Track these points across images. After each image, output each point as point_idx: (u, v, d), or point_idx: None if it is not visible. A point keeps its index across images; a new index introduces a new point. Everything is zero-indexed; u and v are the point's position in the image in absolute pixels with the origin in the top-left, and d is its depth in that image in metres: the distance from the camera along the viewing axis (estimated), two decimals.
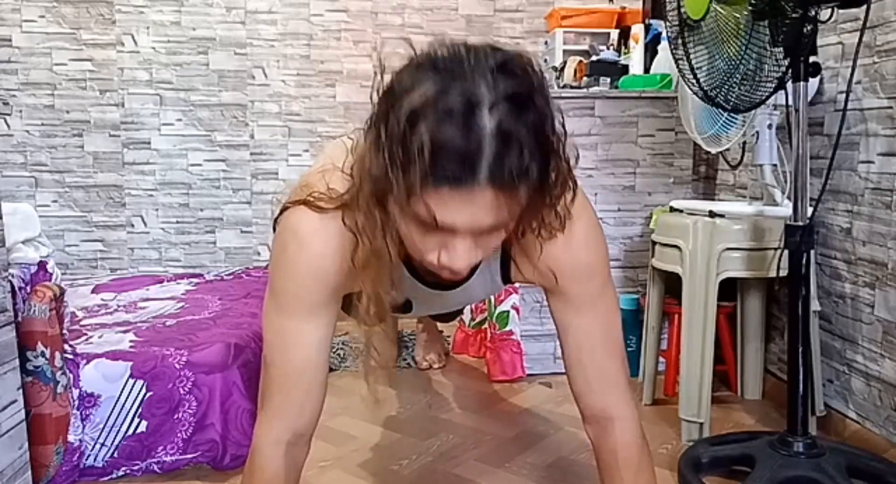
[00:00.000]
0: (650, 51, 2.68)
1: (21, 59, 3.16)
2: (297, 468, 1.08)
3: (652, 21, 2.73)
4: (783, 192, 1.91)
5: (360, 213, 0.85)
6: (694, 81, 1.69)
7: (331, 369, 1.05)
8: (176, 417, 1.76)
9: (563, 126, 0.86)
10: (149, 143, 3.27)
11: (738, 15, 1.61)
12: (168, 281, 2.88)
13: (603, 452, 1.12)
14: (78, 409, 1.70)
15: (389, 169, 0.76)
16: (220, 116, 3.28)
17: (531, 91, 0.79)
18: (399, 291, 1.02)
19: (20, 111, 3.19)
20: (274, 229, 1.01)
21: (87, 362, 1.74)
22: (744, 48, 1.62)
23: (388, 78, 0.82)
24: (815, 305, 1.96)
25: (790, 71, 1.55)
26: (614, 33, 2.96)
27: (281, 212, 0.99)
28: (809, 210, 1.62)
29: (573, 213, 0.93)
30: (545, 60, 3.16)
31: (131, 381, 1.74)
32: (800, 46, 1.52)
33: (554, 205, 0.88)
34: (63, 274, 2.02)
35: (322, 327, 0.99)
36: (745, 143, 2.11)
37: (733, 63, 1.64)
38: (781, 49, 1.57)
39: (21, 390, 1.46)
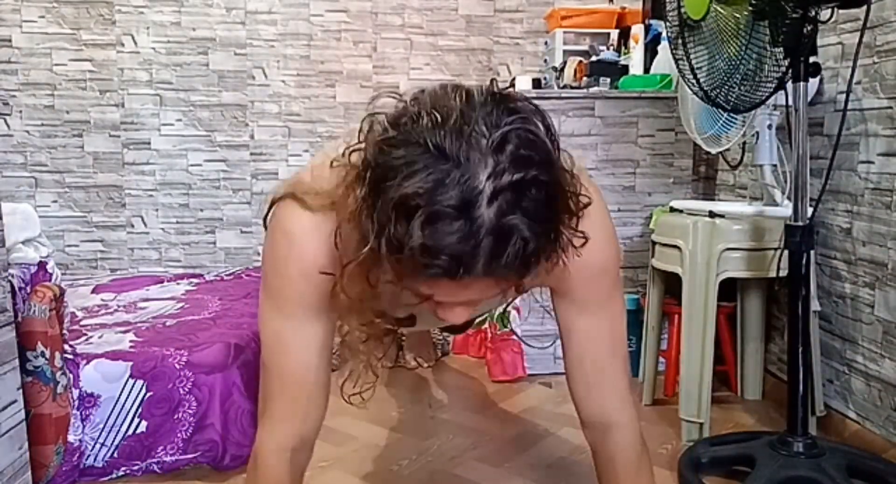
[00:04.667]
0: (650, 51, 2.68)
1: (21, 59, 3.16)
2: (301, 473, 1.06)
3: (652, 21, 2.73)
4: (783, 193, 1.91)
5: (352, 257, 0.79)
6: (694, 81, 1.69)
7: (332, 369, 1.03)
8: (176, 417, 1.76)
9: (571, 161, 0.79)
10: (149, 143, 3.27)
11: (738, 15, 1.61)
12: (168, 281, 2.88)
13: (601, 458, 1.11)
14: (78, 409, 1.70)
15: (380, 250, 0.71)
16: (220, 117, 3.28)
17: (536, 166, 0.71)
18: (400, 308, 0.99)
19: (20, 111, 3.19)
20: (265, 226, 0.98)
21: (87, 362, 1.74)
22: (744, 48, 1.62)
23: (382, 133, 0.74)
24: (815, 305, 1.96)
25: (790, 71, 1.55)
26: (614, 33, 2.96)
27: (270, 207, 0.95)
28: (809, 210, 1.62)
29: (586, 212, 0.86)
30: (545, 60, 3.16)
31: (131, 381, 1.74)
32: (800, 46, 1.52)
33: (565, 249, 0.80)
34: (63, 274, 2.02)
35: (321, 331, 0.96)
36: (745, 143, 2.11)
37: (733, 63, 1.64)
38: (781, 49, 1.57)
39: (21, 390, 1.46)
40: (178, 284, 2.84)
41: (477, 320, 2.72)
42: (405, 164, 0.69)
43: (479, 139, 0.70)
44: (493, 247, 0.69)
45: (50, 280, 1.62)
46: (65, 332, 1.68)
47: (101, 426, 1.73)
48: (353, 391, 0.96)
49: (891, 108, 1.77)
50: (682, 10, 1.67)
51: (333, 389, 1.04)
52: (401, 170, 0.69)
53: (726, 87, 1.67)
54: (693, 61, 1.68)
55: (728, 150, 2.12)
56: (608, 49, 2.86)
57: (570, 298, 1.03)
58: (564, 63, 2.81)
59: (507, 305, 2.46)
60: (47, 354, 1.57)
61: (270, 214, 0.96)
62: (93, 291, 2.67)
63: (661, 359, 2.33)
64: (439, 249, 0.68)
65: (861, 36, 1.58)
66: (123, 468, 1.74)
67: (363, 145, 0.77)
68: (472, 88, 0.76)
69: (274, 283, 0.96)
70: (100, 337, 1.95)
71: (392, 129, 0.73)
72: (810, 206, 1.63)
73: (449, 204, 0.68)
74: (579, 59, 2.75)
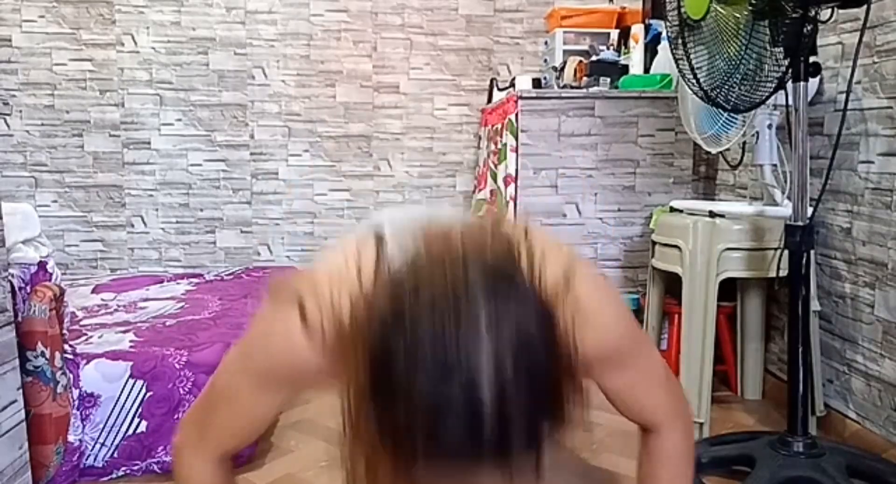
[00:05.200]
0: (650, 51, 2.68)
1: (21, 59, 3.16)
2: (231, 472, 1.09)
3: (652, 21, 2.73)
4: (783, 192, 1.91)
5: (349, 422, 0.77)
6: (694, 81, 1.69)
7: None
8: (176, 417, 1.76)
9: (574, 345, 0.75)
10: (149, 143, 3.27)
11: (738, 15, 1.61)
12: (168, 281, 2.88)
13: (644, 454, 1.13)
14: (78, 409, 1.70)
15: (380, 439, 0.70)
16: (220, 116, 3.28)
17: (538, 349, 0.69)
18: None
19: (20, 111, 3.19)
20: (268, 295, 0.95)
21: (87, 362, 1.74)
22: (744, 48, 1.61)
23: (382, 309, 0.71)
24: (815, 305, 1.96)
25: (790, 71, 1.55)
26: (614, 33, 2.96)
27: (278, 290, 0.93)
28: (809, 210, 1.62)
29: (577, 296, 0.81)
30: (545, 60, 3.16)
31: (131, 381, 1.74)
32: (800, 46, 1.52)
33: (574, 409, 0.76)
34: (63, 274, 2.02)
35: (275, 406, 0.98)
36: (745, 143, 2.11)
37: (733, 63, 1.64)
38: (781, 49, 1.57)
39: (21, 390, 1.46)
40: (178, 283, 2.84)
41: None
42: (403, 355, 0.68)
43: (480, 329, 0.68)
44: (498, 441, 0.67)
45: (50, 280, 1.62)
46: (65, 332, 1.68)
47: (101, 426, 1.73)
48: None
49: (891, 107, 1.77)
50: (682, 9, 1.67)
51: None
52: (397, 360, 0.68)
53: (726, 87, 1.67)
54: (693, 61, 1.68)
55: (728, 150, 2.12)
56: (608, 49, 2.86)
57: (597, 374, 0.99)
58: (564, 63, 2.81)
59: None
60: (47, 353, 1.57)
61: (275, 301, 0.92)
62: (93, 291, 2.67)
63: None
64: (441, 449, 0.67)
65: (861, 36, 1.58)
66: (123, 468, 1.74)
67: (366, 295, 0.74)
68: (473, 262, 0.72)
69: (257, 357, 0.95)
70: (100, 337, 1.95)
71: (391, 311, 0.71)
72: (810, 206, 1.63)
73: (450, 402, 0.66)
74: (579, 58, 2.75)
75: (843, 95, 1.85)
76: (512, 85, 2.99)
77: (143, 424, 1.74)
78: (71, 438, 1.66)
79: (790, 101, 1.60)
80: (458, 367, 0.66)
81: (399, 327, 0.69)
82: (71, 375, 1.68)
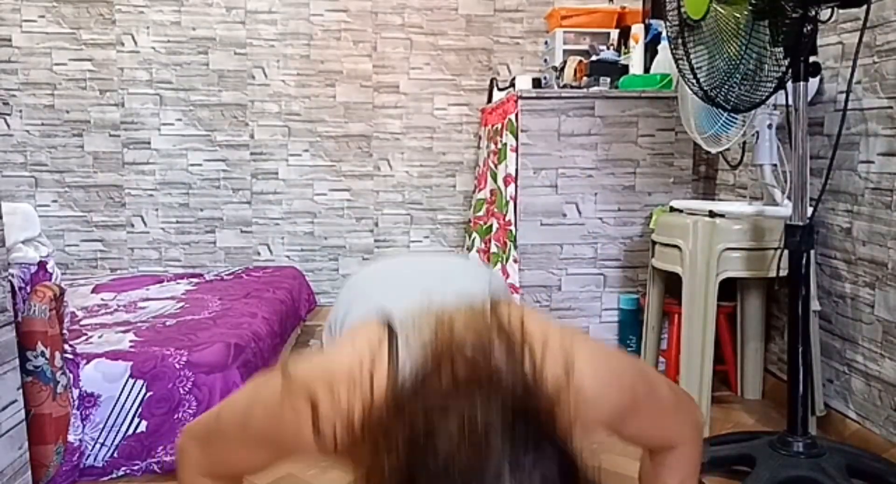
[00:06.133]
0: (650, 51, 2.68)
1: (21, 59, 3.16)
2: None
3: (652, 21, 2.73)
4: (783, 192, 1.91)
5: None
6: (694, 81, 1.69)
7: None
8: (176, 417, 1.76)
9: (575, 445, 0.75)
10: (149, 143, 3.27)
11: (738, 15, 1.61)
12: (168, 281, 2.88)
13: (650, 460, 1.13)
14: (78, 409, 1.70)
15: None
16: (220, 116, 3.28)
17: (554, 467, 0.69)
18: None
19: (20, 111, 3.19)
20: (279, 371, 0.92)
21: (87, 362, 1.74)
22: (744, 48, 1.61)
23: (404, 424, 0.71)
24: (815, 305, 1.96)
25: (790, 71, 1.55)
26: (614, 33, 2.96)
27: (299, 376, 0.90)
28: (809, 210, 1.62)
29: (580, 383, 0.81)
30: (545, 60, 3.16)
31: (131, 381, 1.74)
32: (800, 46, 1.52)
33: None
34: (63, 274, 2.02)
35: (278, 460, 0.97)
36: (745, 143, 2.10)
37: (733, 63, 1.64)
38: (781, 49, 1.57)
39: (21, 390, 1.46)
40: (178, 283, 2.84)
41: None
42: None
43: (501, 476, 0.67)
44: None
45: (50, 280, 1.62)
46: (65, 331, 1.68)
47: (101, 426, 1.73)
48: None
49: (891, 107, 1.77)
50: (682, 9, 1.67)
51: None
52: None
53: (726, 87, 1.67)
54: (693, 61, 1.68)
55: (728, 149, 2.12)
56: (608, 49, 2.86)
57: (615, 430, 0.98)
58: (564, 63, 2.81)
59: None
60: (47, 353, 1.57)
61: (288, 384, 0.89)
62: (93, 291, 2.67)
63: (661, 359, 2.33)
64: None
65: (861, 36, 1.58)
66: (123, 468, 1.74)
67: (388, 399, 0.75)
68: (486, 400, 0.71)
69: (262, 423, 0.93)
70: (100, 337, 1.95)
71: (407, 441, 0.70)
72: (810, 205, 1.63)
73: None
74: (579, 58, 2.75)
75: (843, 95, 1.85)
76: (512, 85, 2.99)
77: (143, 423, 1.74)
78: (71, 437, 1.66)
79: (790, 101, 1.60)
80: None
81: (416, 459, 0.68)
82: (71, 375, 1.68)
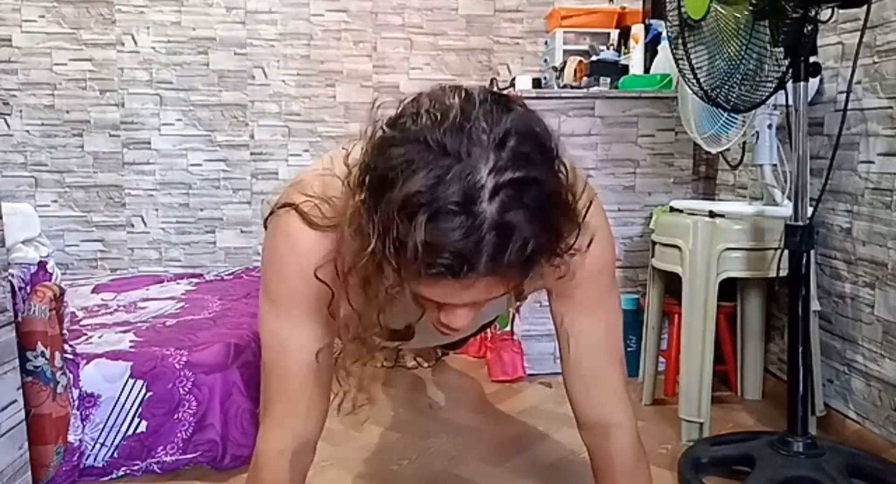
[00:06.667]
0: (650, 51, 2.68)
1: (21, 59, 3.16)
2: (303, 475, 1.05)
3: (652, 21, 2.73)
4: (783, 192, 1.91)
5: (351, 265, 0.79)
6: (694, 81, 1.69)
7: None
8: (176, 417, 1.76)
9: (569, 164, 0.78)
10: (149, 143, 3.27)
11: (738, 15, 1.61)
12: (168, 281, 2.88)
13: (599, 459, 1.11)
14: (78, 409, 1.70)
15: (383, 252, 0.71)
16: (220, 116, 3.28)
17: (536, 164, 0.72)
18: (397, 317, 0.97)
19: (20, 111, 3.19)
20: (265, 227, 0.97)
21: (87, 362, 1.74)
22: (744, 48, 1.61)
23: (381, 135, 0.75)
24: (815, 305, 1.96)
25: (790, 71, 1.55)
26: (614, 33, 2.96)
27: (272, 212, 0.94)
28: (809, 210, 1.62)
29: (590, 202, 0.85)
30: (545, 60, 3.16)
31: (131, 381, 1.74)
32: (800, 46, 1.52)
33: (565, 254, 0.79)
34: (63, 274, 2.02)
35: (320, 333, 0.95)
36: (745, 143, 2.11)
37: (733, 63, 1.64)
38: (781, 49, 1.57)
39: (21, 390, 1.46)
40: (178, 283, 2.84)
41: (471, 333, 2.72)
42: (405, 163, 0.69)
43: (479, 135, 0.70)
44: (495, 243, 0.69)
45: (50, 280, 1.62)
46: (65, 332, 1.68)
47: (101, 426, 1.73)
48: (346, 410, 0.95)
49: (891, 107, 1.77)
50: (682, 9, 1.67)
51: (333, 387, 1.03)
52: (401, 169, 0.69)
53: (726, 87, 1.67)
54: (693, 61, 1.67)
55: (728, 149, 2.12)
56: (608, 49, 2.86)
57: (568, 298, 1.02)
58: (564, 63, 2.81)
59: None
60: (47, 353, 1.57)
61: (272, 219, 0.95)
62: (93, 291, 2.67)
63: (661, 359, 2.33)
64: (442, 247, 0.68)
65: (861, 36, 1.58)
66: (123, 468, 1.74)
67: (364, 149, 0.76)
68: (472, 88, 0.76)
69: (273, 283, 0.96)
70: (100, 337, 1.95)
71: (390, 130, 0.74)
72: (810, 205, 1.63)
73: (450, 201, 0.68)
74: (579, 58, 2.75)
75: (843, 95, 1.85)
76: (512, 85, 2.99)
77: (143, 424, 1.74)
78: (71, 438, 1.66)
79: (790, 101, 1.60)
80: (460, 171, 0.68)
81: (401, 136, 0.71)
82: (71, 375, 1.68)
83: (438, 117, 0.71)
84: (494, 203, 0.68)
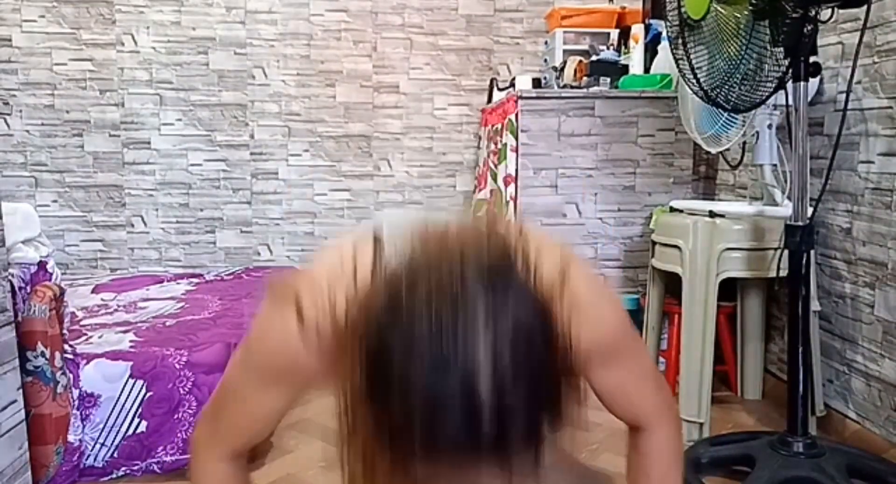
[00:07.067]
0: (650, 51, 2.68)
1: (21, 59, 3.16)
2: (246, 470, 1.09)
3: (652, 21, 2.73)
4: (783, 192, 1.91)
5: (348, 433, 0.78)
6: (694, 81, 1.69)
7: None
8: (176, 417, 1.76)
9: (569, 333, 0.74)
10: (149, 143, 3.27)
11: (738, 15, 1.61)
12: (168, 281, 2.88)
13: (634, 452, 1.13)
14: (78, 409, 1.70)
15: (380, 442, 0.70)
16: (220, 116, 3.28)
17: (535, 347, 0.69)
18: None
19: (20, 111, 3.19)
20: (267, 291, 0.94)
21: (87, 362, 1.74)
22: (744, 48, 1.61)
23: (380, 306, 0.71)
24: (815, 305, 1.96)
25: (790, 71, 1.55)
26: (614, 33, 2.96)
27: (283, 285, 0.92)
28: (809, 210, 1.62)
29: (573, 291, 0.81)
30: (545, 60, 3.16)
31: (131, 381, 1.74)
32: (800, 46, 1.52)
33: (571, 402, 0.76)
34: (63, 274, 2.02)
35: (279, 405, 0.97)
36: (745, 143, 2.10)
37: (733, 63, 1.64)
38: (781, 49, 1.57)
39: (21, 390, 1.46)
40: (178, 283, 2.84)
41: None
42: (402, 349, 0.67)
43: (475, 321, 0.68)
44: (497, 436, 0.67)
45: (50, 280, 1.62)
46: (65, 332, 1.68)
47: (101, 426, 1.72)
48: None
49: (891, 107, 1.77)
50: (682, 9, 1.67)
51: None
52: (395, 352, 0.68)
53: (726, 87, 1.67)
54: (693, 61, 1.67)
55: (728, 149, 2.12)
56: (608, 49, 2.86)
57: (591, 369, 0.99)
58: (564, 63, 2.81)
59: None
60: (47, 353, 1.57)
61: (275, 296, 0.91)
62: (93, 291, 2.67)
63: (661, 359, 2.33)
64: (439, 436, 0.67)
65: (861, 36, 1.58)
66: (123, 468, 1.74)
67: (360, 302, 0.74)
68: (469, 260, 0.72)
69: (257, 354, 0.95)
70: (100, 337, 1.95)
71: (388, 306, 0.71)
72: (810, 206, 1.63)
73: (448, 391, 0.66)
74: (579, 58, 2.75)
75: (843, 95, 1.85)
76: (512, 85, 2.99)
77: (143, 424, 1.74)
78: (71, 438, 1.66)
79: (790, 101, 1.60)
80: (455, 360, 0.66)
81: (396, 322, 0.69)
82: (71, 375, 1.68)
83: (436, 299, 0.69)
84: (494, 392, 0.66)
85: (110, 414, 1.73)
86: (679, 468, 1.12)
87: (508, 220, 0.85)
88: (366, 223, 0.98)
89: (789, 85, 1.58)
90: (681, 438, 1.12)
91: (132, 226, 3.30)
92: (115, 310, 2.36)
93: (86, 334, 1.98)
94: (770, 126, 1.93)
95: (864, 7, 1.53)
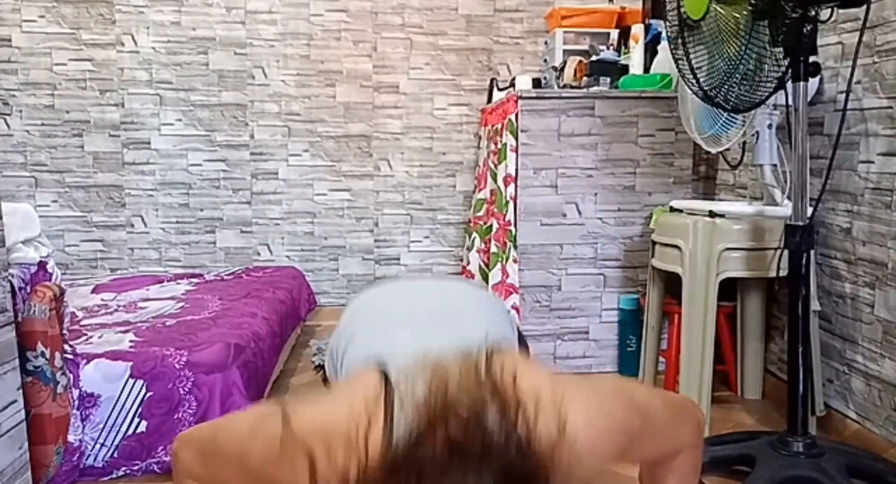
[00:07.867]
0: (650, 51, 2.68)
1: (21, 59, 3.16)
2: None
3: (652, 21, 2.73)
4: (783, 192, 1.91)
5: None
6: (694, 81, 1.69)
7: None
8: (176, 417, 1.76)
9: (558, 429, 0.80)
10: (149, 143, 3.27)
11: (737, 15, 1.61)
12: (168, 281, 2.88)
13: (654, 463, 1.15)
14: (78, 409, 1.70)
15: None
16: (220, 116, 3.28)
17: None
18: None
19: (20, 111, 3.19)
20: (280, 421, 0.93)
21: (87, 362, 1.74)
22: (744, 48, 1.62)
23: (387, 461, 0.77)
24: (815, 305, 1.96)
25: (790, 71, 1.55)
26: (614, 33, 2.96)
27: (297, 433, 0.91)
28: (809, 210, 1.62)
29: (574, 435, 0.84)
30: (545, 60, 3.16)
31: (131, 381, 1.74)
32: (800, 46, 1.52)
33: None
34: (63, 274, 2.02)
35: None
36: (745, 143, 2.10)
37: (733, 63, 1.64)
38: (781, 49, 1.57)
39: (21, 390, 1.46)
40: (178, 283, 2.84)
41: None
42: None
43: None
44: None
45: (50, 280, 1.62)
46: (65, 332, 1.68)
47: (101, 426, 1.73)
48: None
49: (891, 107, 1.77)
50: (682, 9, 1.67)
51: None
52: None
53: (726, 87, 1.67)
54: (693, 61, 1.68)
55: (728, 149, 2.12)
56: (608, 49, 2.86)
57: (618, 461, 1.01)
58: (564, 63, 2.81)
59: None
60: (47, 353, 1.57)
61: (289, 433, 0.90)
62: (93, 291, 2.67)
63: (661, 359, 2.33)
64: None
65: (861, 36, 1.58)
66: (123, 468, 1.74)
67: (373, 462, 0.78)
68: (474, 460, 0.75)
69: (259, 463, 0.95)
70: (100, 337, 1.95)
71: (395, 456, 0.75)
72: (810, 205, 1.63)
73: None
74: (579, 58, 2.75)
75: (843, 95, 1.85)
76: (512, 85, 2.99)
77: (143, 424, 1.74)
78: (71, 438, 1.66)
79: (790, 101, 1.60)
80: None
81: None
82: (71, 375, 1.68)
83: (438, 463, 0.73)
84: None
85: (110, 414, 1.73)
86: (695, 478, 1.15)
87: (502, 360, 0.87)
88: (377, 359, 1.00)
89: (789, 85, 1.58)
90: (701, 453, 1.14)
91: (132, 226, 3.30)
92: (115, 310, 2.36)
93: (86, 334, 1.98)
94: (770, 126, 1.93)
95: (864, 7, 1.53)
